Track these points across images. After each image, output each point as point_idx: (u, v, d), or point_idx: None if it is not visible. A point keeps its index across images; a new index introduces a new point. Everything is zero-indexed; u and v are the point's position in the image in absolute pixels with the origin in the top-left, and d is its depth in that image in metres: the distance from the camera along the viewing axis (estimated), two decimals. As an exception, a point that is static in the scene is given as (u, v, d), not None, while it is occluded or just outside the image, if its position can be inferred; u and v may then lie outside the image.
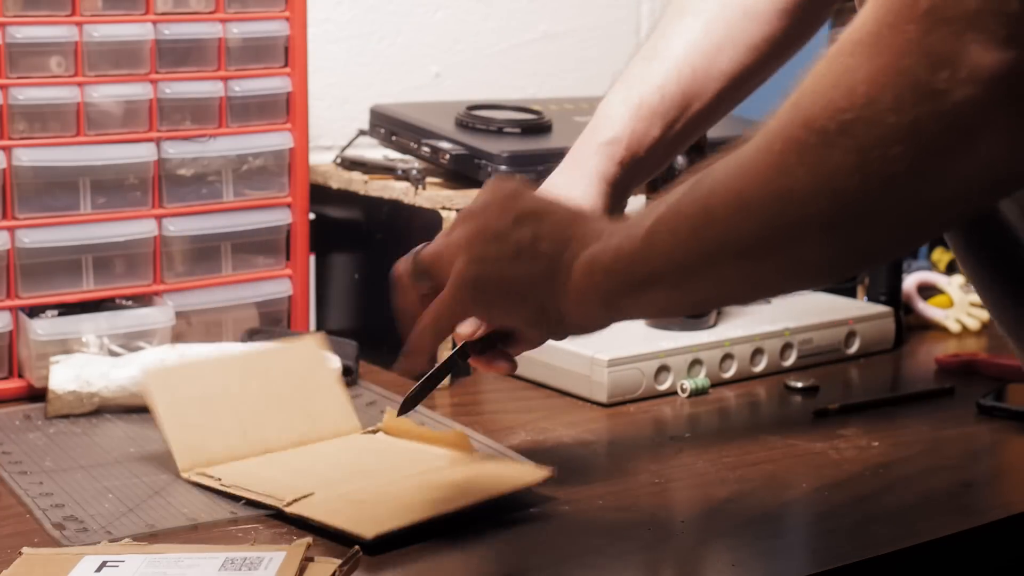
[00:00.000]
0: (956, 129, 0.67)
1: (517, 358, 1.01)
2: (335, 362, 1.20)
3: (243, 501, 1.00)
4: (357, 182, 1.42)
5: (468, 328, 1.00)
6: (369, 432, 1.15)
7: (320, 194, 1.43)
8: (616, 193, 1.08)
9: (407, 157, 1.44)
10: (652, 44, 1.12)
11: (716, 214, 0.77)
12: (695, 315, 1.34)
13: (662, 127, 1.08)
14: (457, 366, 1.03)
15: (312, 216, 1.39)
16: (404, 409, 1.03)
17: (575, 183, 1.06)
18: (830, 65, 0.71)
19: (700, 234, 0.79)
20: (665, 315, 0.88)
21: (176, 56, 1.29)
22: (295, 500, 0.97)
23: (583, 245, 0.87)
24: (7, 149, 1.22)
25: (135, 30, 1.26)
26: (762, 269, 0.78)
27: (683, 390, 1.29)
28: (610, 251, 0.85)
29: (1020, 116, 0.66)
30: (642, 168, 1.09)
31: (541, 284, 0.89)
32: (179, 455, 1.05)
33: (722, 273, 0.80)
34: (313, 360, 1.16)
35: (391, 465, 1.07)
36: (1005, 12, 0.65)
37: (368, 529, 0.91)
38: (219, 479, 1.02)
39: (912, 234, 0.75)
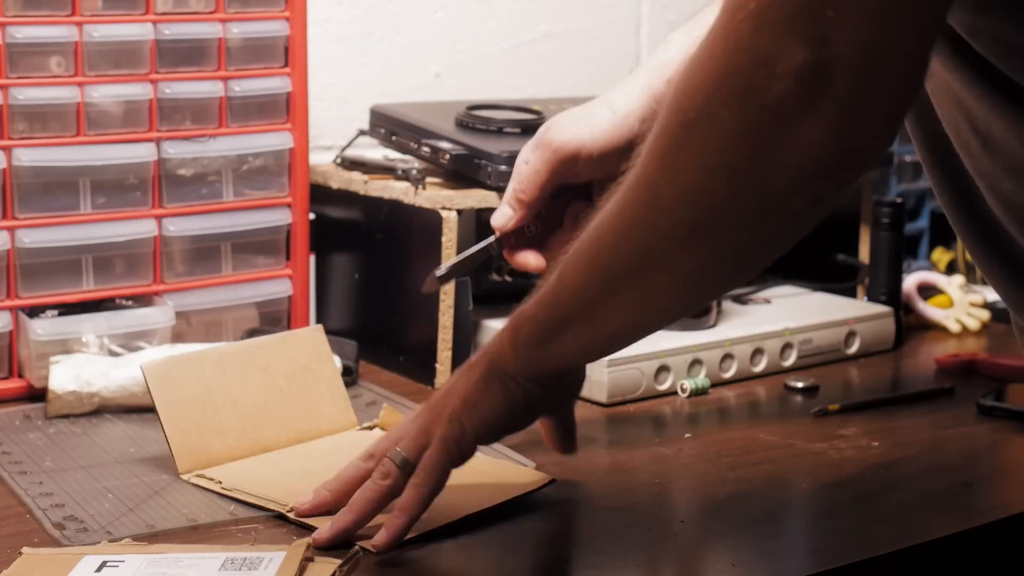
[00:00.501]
0: (779, 120, 0.72)
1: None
2: (335, 360, 1.20)
3: (237, 504, 1.00)
4: (357, 182, 1.42)
5: (501, 220, 1.07)
6: (366, 428, 1.15)
7: (320, 194, 1.43)
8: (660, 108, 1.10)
9: (407, 157, 1.44)
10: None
11: (603, 240, 0.84)
12: (696, 315, 1.34)
13: None
14: (491, 256, 1.09)
15: (312, 216, 1.39)
16: (443, 281, 1.10)
17: (621, 90, 1.08)
18: (682, 71, 0.77)
19: (594, 263, 0.85)
20: (591, 357, 0.96)
21: (176, 56, 1.29)
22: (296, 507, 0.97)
23: (518, 309, 0.93)
24: (7, 149, 1.22)
25: (135, 30, 1.26)
26: (652, 287, 0.83)
27: (683, 390, 1.29)
28: (531, 303, 0.91)
29: (831, 109, 0.72)
30: None
31: (489, 360, 0.94)
32: (179, 457, 1.05)
33: (621, 299, 0.85)
34: (313, 351, 1.16)
35: None
36: (820, 16, 0.71)
37: (376, 540, 0.91)
38: (219, 482, 1.02)
39: (769, 230, 0.79)
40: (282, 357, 1.14)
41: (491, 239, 1.08)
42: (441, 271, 1.10)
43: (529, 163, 1.07)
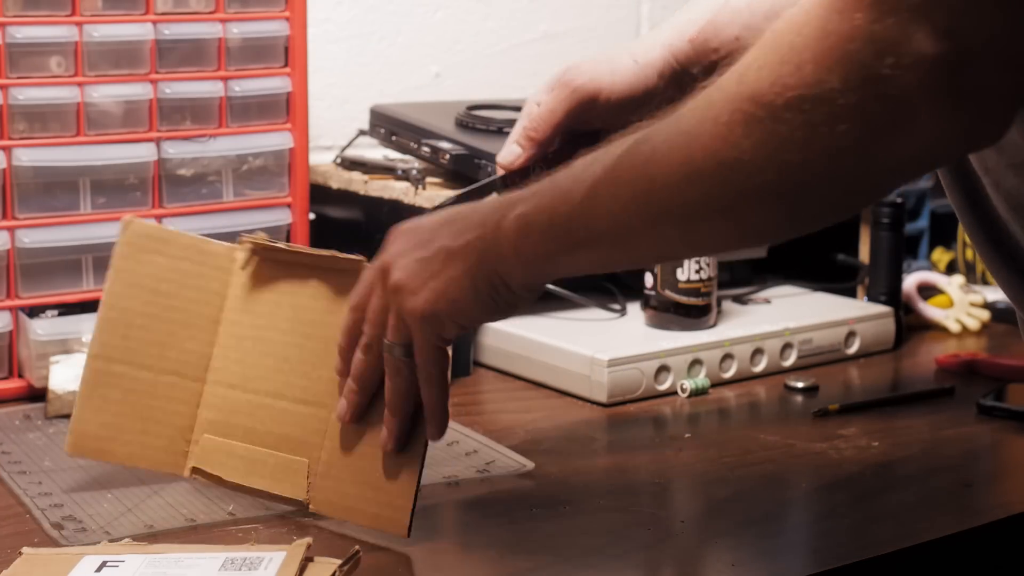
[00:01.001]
0: (898, 112, 0.71)
1: (519, 359, 1.02)
2: None
3: (236, 504, 1.00)
4: (357, 182, 1.42)
5: (508, 157, 1.06)
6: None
7: (320, 194, 1.42)
8: (678, 65, 1.09)
9: (407, 157, 1.44)
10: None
11: (659, 180, 0.80)
12: (696, 315, 1.34)
13: (739, 28, 1.09)
14: (494, 193, 1.06)
15: (312, 216, 1.39)
16: (442, 206, 1.05)
17: (643, 43, 1.07)
18: (775, 43, 0.75)
19: (642, 199, 0.82)
20: (602, 270, 0.93)
21: (176, 56, 1.29)
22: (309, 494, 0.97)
23: (510, 206, 0.89)
24: (7, 149, 1.22)
25: (135, 30, 1.26)
26: (705, 231, 0.82)
27: (683, 390, 1.29)
28: (544, 211, 0.87)
29: (955, 103, 0.70)
30: (709, 56, 1.10)
31: (478, 258, 0.90)
32: None
33: (664, 233, 0.83)
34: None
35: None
36: (948, 5, 0.69)
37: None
38: (219, 476, 1.01)
39: (851, 201, 0.80)
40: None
41: (495, 176, 1.07)
42: (443, 204, 1.07)
43: (543, 103, 1.07)
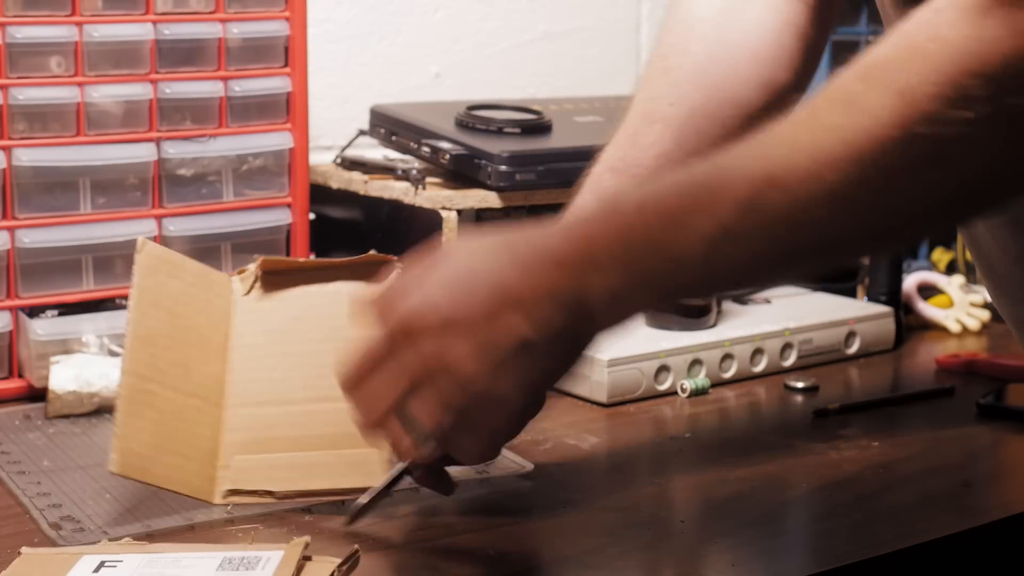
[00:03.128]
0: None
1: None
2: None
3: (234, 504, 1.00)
4: (357, 182, 1.42)
5: (428, 451, 0.89)
6: None
7: (320, 194, 1.42)
8: None
9: (407, 157, 1.44)
10: (623, 153, 1.07)
11: (808, 214, 0.73)
12: (696, 315, 1.34)
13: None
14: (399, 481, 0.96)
15: (312, 216, 1.39)
16: (355, 518, 0.94)
17: None
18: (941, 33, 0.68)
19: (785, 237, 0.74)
20: (681, 297, 0.88)
21: (176, 56, 1.29)
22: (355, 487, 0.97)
23: (582, 271, 0.79)
24: (7, 149, 1.22)
25: (135, 30, 1.26)
26: (847, 253, 0.79)
27: (683, 390, 1.29)
28: (654, 253, 0.77)
29: None
30: None
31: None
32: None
33: (805, 264, 0.79)
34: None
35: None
36: None
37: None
38: (267, 490, 1.00)
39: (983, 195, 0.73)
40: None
41: (402, 469, 0.95)
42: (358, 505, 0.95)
43: None
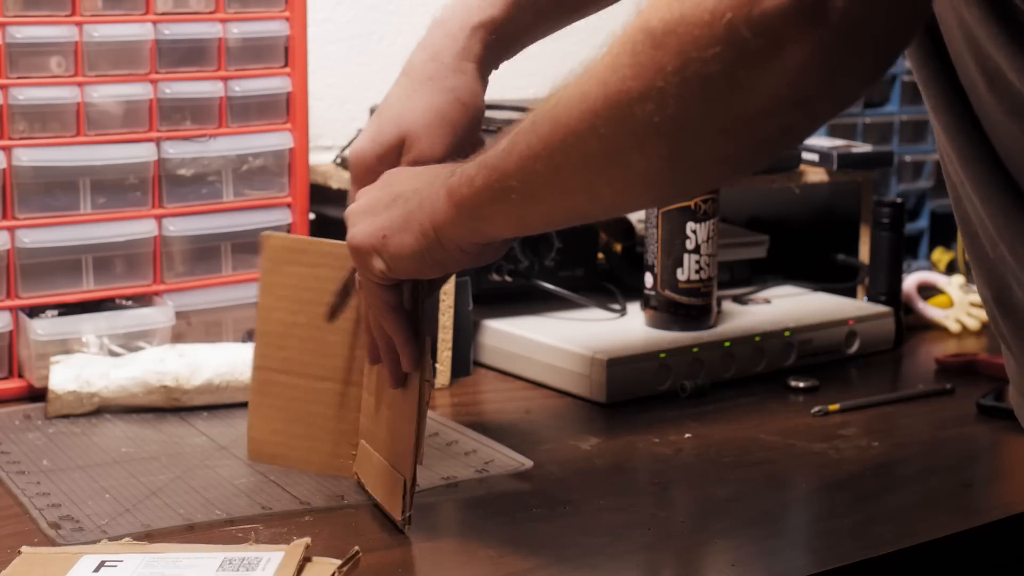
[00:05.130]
0: (765, 36, 0.70)
1: (519, 359, 1.01)
2: None
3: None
4: (357, 182, 1.41)
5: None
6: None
7: (320, 194, 1.42)
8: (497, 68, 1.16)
9: (407, 157, 1.44)
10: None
11: (561, 121, 0.81)
12: (696, 315, 1.34)
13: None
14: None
15: (312, 216, 1.39)
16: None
17: (458, 78, 1.11)
18: None
19: (548, 141, 0.82)
20: (521, 231, 0.92)
21: (176, 56, 1.29)
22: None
23: (464, 161, 0.90)
24: (7, 149, 1.22)
25: (135, 30, 1.26)
26: (601, 179, 0.81)
27: (683, 390, 1.29)
28: (475, 164, 0.88)
29: (823, 30, 0.69)
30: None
31: (419, 202, 0.92)
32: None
33: (565, 182, 0.83)
34: None
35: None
36: None
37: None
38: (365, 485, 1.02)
39: (729, 151, 0.77)
40: None
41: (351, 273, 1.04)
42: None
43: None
